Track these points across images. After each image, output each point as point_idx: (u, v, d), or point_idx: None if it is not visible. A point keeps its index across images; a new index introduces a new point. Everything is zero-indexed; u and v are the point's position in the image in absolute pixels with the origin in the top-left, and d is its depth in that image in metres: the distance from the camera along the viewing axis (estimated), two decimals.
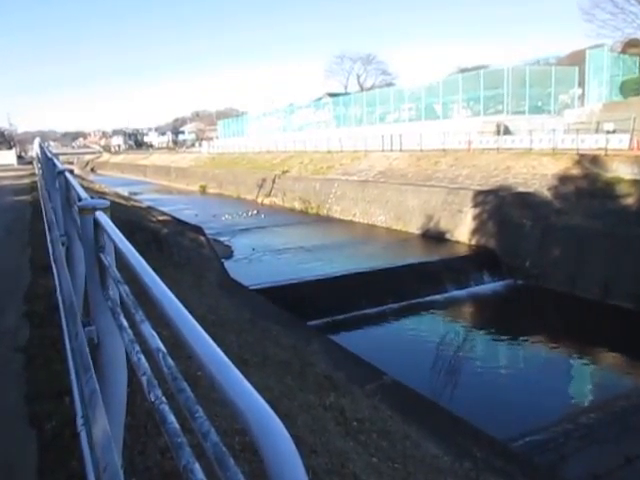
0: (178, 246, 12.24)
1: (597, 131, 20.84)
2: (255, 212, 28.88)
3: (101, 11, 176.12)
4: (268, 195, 34.10)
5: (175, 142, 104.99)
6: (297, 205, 29.71)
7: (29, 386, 3.08)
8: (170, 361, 1.18)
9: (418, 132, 27.61)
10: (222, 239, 20.87)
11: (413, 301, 13.70)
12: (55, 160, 5.54)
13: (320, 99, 52.87)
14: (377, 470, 4.18)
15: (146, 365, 1.35)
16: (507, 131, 24.60)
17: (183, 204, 33.78)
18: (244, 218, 27.35)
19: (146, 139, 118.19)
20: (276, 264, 17.09)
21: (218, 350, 0.91)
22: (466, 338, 10.49)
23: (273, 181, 34.12)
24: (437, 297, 14.15)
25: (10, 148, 43.57)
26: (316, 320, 12.21)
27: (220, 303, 8.84)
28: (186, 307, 1.14)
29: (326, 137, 36.59)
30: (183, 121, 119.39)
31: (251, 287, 12.41)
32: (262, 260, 17.65)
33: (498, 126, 24.89)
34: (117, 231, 1.74)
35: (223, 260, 15.38)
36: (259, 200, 34.48)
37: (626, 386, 9.63)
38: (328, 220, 25.75)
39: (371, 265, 15.16)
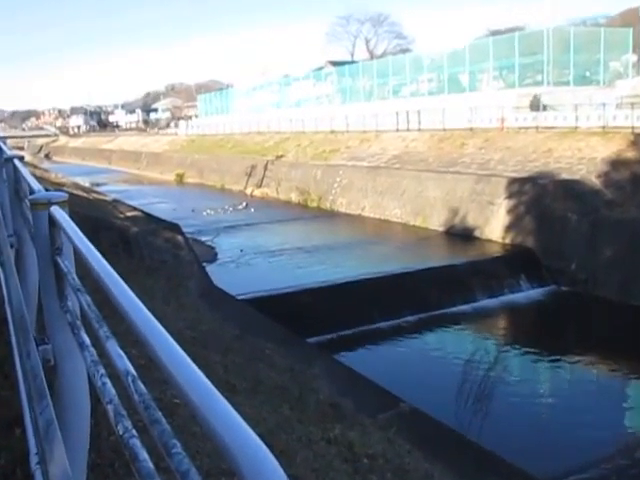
0: (150, 248, 12.26)
1: None
2: (243, 206, 28.91)
3: None
4: (259, 185, 34.13)
5: (146, 122, 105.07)
6: (294, 197, 29.74)
7: None
8: (141, 386, 1.18)
9: (440, 108, 27.61)
10: (204, 239, 20.89)
11: (435, 313, 13.75)
12: (1, 144, 5.56)
13: (321, 69, 52.89)
14: None
15: (112, 391, 1.35)
16: (547, 106, 24.59)
17: (156, 197, 33.81)
18: (230, 213, 27.36)
19: (111, 118, 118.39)
20: (269, 269, 17.10)
21: (199, 373, 0.91)
22: (499, 357, 10.49)
23: (265, 168, 34.16)
24: (464, 308, 14.18)
25: None
26: (318, 336, 12.28)
27: (201, 316, 8.85)
28: (160, 321, 1.14)
29: (329, 115, 36.64)
30: (156, 96, 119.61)
31: (239, 297, 12.42)
32: (252, 264, 17.66)
33: (536, 100, 24.88)
34: (77, 230, 1.74)
35: (205, 264, 15.39)
36: (248, 191, 34.51)
37: None
38: (332, 215, 25.75)
39: (384, 270, 15.21)
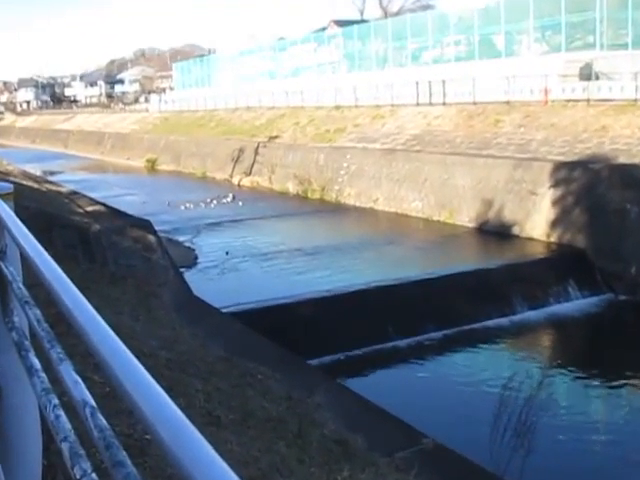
0: (116, 250, 12.27)
1: None
2: (230, 198, 28.91)
3: None
4: (248, 173, 34.15)
5: (110, 96, 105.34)
6: (291, 187, 29.75)
7: None
8: (102, 420, 1.18)
9: (469, 77, 27.61)
10: (181, 239, 20.92)
11: (465, 327, 13.76)
12: None
13: (324, 30, 52.97)
14: None
15: (68, 426, 1.35)
16: (601, 74, 24.52)
17: (123, 187, 33.80)
18: (213, 207, 27.34)
19: (68, 92, 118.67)
20: (261, 276, 17.12)
21: (170, 404, 0.91)
22: (543, 382, 10.45)
23: (256, 152, 34.18)
24: (500, 321, 14.17)
25: None
26: (321, 357, 12.32)
27: (179, 334, 8.86)
28: (128, 340, 1.15)
29: (333, 86, 36.66)
30: (122, 65, 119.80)
31: (224, 310, 12.43)
32: (240, 270, 17.68)
33: (588, 67, 24.82)
34: (24, 229, 1.74)
35: (183, 270, 15.40)
36: (235, 180, 34.52)
37: None
38: (337, 208, 25.73)
39: (401, 275, 15.23)
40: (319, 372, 10.98)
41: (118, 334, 1.18)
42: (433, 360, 12.84)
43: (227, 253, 19.18)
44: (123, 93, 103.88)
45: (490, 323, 14.01)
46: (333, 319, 13.06)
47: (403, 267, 16.63)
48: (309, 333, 12.51)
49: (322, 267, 17.35)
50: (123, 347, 1.09)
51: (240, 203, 27.76)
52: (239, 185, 33.44)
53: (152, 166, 43.57)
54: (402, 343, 13.14)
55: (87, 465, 1.23)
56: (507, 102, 25.14)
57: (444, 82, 29.15)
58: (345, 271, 16.76)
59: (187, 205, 27.32)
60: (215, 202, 28.12)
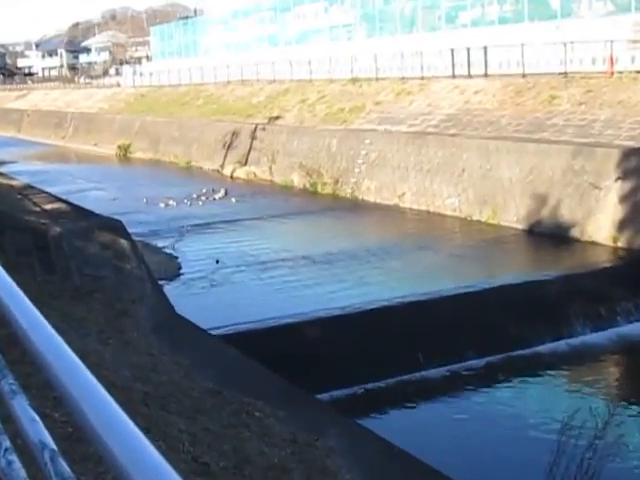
0: (80, 257, 12.28)
1: None
2: (221, 193, 28.92)
3: None
4: (243, 162, 34.16)
5: (74, 68, 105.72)
6: (297, 179, 29.74)
7: None
8: (65, 466, 1.18)
9: (517, 43, 27.55)
10: (161, 244, 20.97)
11: (513, 353, 13.71)
12: None
13: None
14: None
15: (22, 473, 1.35)
16: None
17: (89, 180, 33.87)
18: (201, 205, 27.36)
19: (22, 63, 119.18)
20: (260, 289, 17.14)
21: (150, 448, 0.91)
22: (610, 421, 10.40)
23: (252, 136, 34.20)
24: (556, 346, 14.11)
25: None
26: (334, 390, 12.31)
27: (158, 362, 8.88)
28: (95, 368, 1.15)
29: (349, 54, 36.68)
30: (88, 30, 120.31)
31: (215, 332, 12.41)
32: (234, 282, 17.69)
33: None
34: None
35: (163, 282, 15.39)
36: (227, 171, 34.52)
37: None
38: (354, 206, 25.69)
39: (434, 289, 15.22)
40: (331, 409, 10.92)
41: (84, 361, 1.18)
42: (473, 394, 12.79)
43: (217, 262, 19.18)
44: (89, 64, 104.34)
45: (543, 348, 13.94)
46: (349, 343, 13.01)
47: (436, 279, 16.58)
48: (319, 361, 12.48)
49: (335, 279, 17.35)
50: (90, 378, 1.09)
51: (233, 200, 27.76)
52: (232, 177, 33.48)
53: (125, 154, 43.72)
54: (435, 373, 13.07)
55: None
56: (564, 74, 25.08)
57: (486, 49, 29.13)
58: (364, 284, 16.75)
59: (168, 202, 27.35)
60: (203, 198, 28.15)
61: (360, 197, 26.38)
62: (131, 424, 0.99)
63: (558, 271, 16.53)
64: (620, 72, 23.76)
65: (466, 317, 14.02)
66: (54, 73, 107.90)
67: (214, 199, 28.17)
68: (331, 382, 12.32)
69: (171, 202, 27.35)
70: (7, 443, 1.50)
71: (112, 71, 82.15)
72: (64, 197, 21.13)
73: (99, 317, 9.82)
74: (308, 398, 10.80)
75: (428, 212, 23.51)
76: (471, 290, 15.05)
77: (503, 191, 21.63)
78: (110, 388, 1.09)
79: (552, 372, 13.52)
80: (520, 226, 20.74)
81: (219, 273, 18.33)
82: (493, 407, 12.39)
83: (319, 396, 11.57)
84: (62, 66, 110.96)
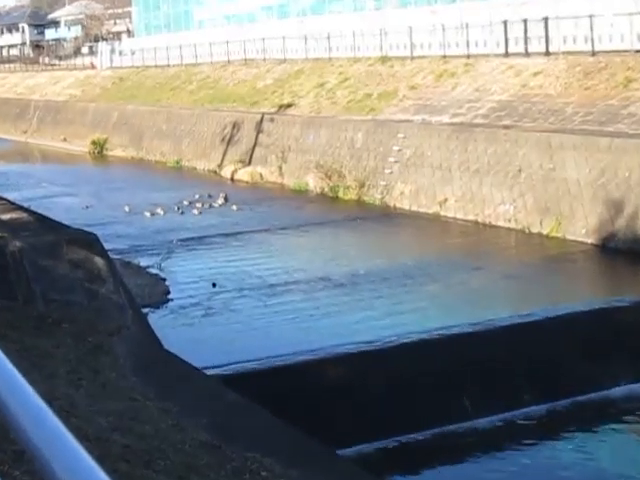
0: (45, 279, 12.32)
1: None
2: (220, 200, 28.90)
3: None
4: (246, 161, 34.15)
5: (39, 46, 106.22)
6: (312, 182, 29.70)
7: None
8: None
9: (585, 12, 27.46)
10: (144, 262, 20.99)
11: (580, 398, 13.65)
12: None
13: None
14: None
15: None
16: None
17: (56, 184, 33.89)
18: (195, 214, 27.36)
19: None
20: (267, 319, 17.16)
21: None
22: None
23: (258, 129, 34.21)
24: (635, 388, 13.96)
25: None
26: (359, 445, 12.26)
27: (141, 408, 8.91)
28: (64, 415, 1.18)
29: (377, 27, 36.77)
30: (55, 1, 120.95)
31: (211, 372, 12.43)
32: (235, 310, 17.74)
33: None
34: None
35: (147, 310, 15.39)
36: (226, 172, 34.51)
37: None
38: (384, 215, 25.63)
39: (483, 318, 15.15)
40: (356, 468, 10.91)
41: (50, 407, 1.20)
42: (532, 450, 12.76)
43: (214, 285, 19.21)
44: (57, 41, 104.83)
45: (618, 391, 13.84)
46: (378, 386, 13.00)
47: (486, 306, 16.57)
48: (341, 407, 12.47)
49: (361, 307, 17.33)
50: (59, 427, 1.12)
51: (234, 207, 27.78)
52: (232, 179, 33.54)
53: (100, 151, 43.83)
54: (484, 423, 13.08)
55: None
56: None
57: (546, 21, 29.08)
58: (397, 312, 16.74)
59: (154, 211, 27.38)
60: (198, 206, 28.16)
61: (392, 204, 26.35)
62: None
63: (637, 296, 16.49)
64: None
65: (524, 353, 14.00)
66: (14, 53, 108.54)
67: (211, 207, 28.19)
68: (356, 434, 12.30)
69: (158, 210, 27.39)
70: None
71: (85, 49, 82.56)
72: (25, 205, 21.26)
73: (69, 353, 9.84)
74: (328, 454, 10.78)
75: (476, 222, 23.44)
76: (530, 319, 14.99)
77: (569, 196, 21.55)
78: (83, 440, 1.12)
79: (629, 421, 13.46)
80: (590, 240, 20.66)
81: (216, 299, 18.33)
82: (556, 465, 12.34)
83: (341, 452, 11.58)
84: (24, 44, 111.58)
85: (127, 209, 27.52)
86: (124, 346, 11.29)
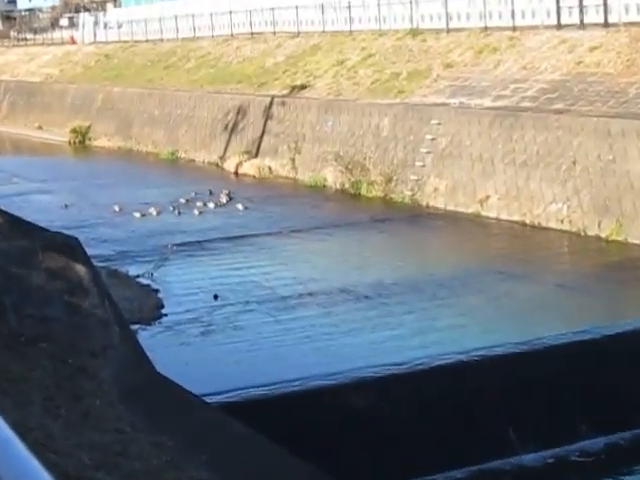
0: (18, 291, 12.41)
1: None
2: (222, 198, 29.11)
3: None
4: (253, 152, 34.39)
5: (9, 17, 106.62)
6: (331, 177, 29.85)
7: None
8: None
9: None
10: (134, 271, 21.06)
11: None
12: None
13: None
14: None
15: None
16: None
17: (31, 179, 34.32)
18: (193, 215, 27.47)
19: None
20: (278, 337, 17.16)
21: None
22: None
23: (267, 115, 34.41)
24: None
25: None
26: None
27: (130, 442, 8.95)
28: (39, 451, 1.22)
29: None
30: None
31: (212, 400, 12.49)
32: (241, 326, 17.76)
33: None
34: None
35: (137, 327, 15.49)
36: (229, 165, 34.82)
37: None
38: (415, 215, 25.79)
39: (531, 336, 15.08)
40: None
41: (24, 440, 1.23)
42: None
43: (216, 297, 19.29)
44: (31, 12, 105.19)
45: None
46: (408, 415, 13.03)
47: (535, 322, 16.60)
48: (363, 440, 12.49)
49: (388, 323, 17.35)
50: (33, 463, 1.15)
51: (240, 206, 27.95)
52: (237, 174, 33.76)
53: (82, 140, 44.10)
54: (533, 459, 13.05)
55: None
56: None
57: None
58: (429, 330, 16.75)
59: (145, 211, 27.53)
60: (198, 204, 28.30)
61: (424, 202, 26.41)
62: None
63: None
64: None
65: (579, 377, 13.99)
66: None
67: (211, 206, 28.27)
68: (382, 473, 12.33)
69: (150, 210, 27.54)
70: None
71: (64, 21, 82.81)
72: None
73: (46, 377, 9.90)
74: None
75: (523, 224, 23.47)
76: (587, 338, 15.01)
77: (632, 193, 21.54)
78: (61, 478, 1.15)
79: None
80: None
81: (218, 314, 18.39)
82: None
83: None
84: None
85: (114, 209, 27.67)
86: (110, 369, 11.32)
